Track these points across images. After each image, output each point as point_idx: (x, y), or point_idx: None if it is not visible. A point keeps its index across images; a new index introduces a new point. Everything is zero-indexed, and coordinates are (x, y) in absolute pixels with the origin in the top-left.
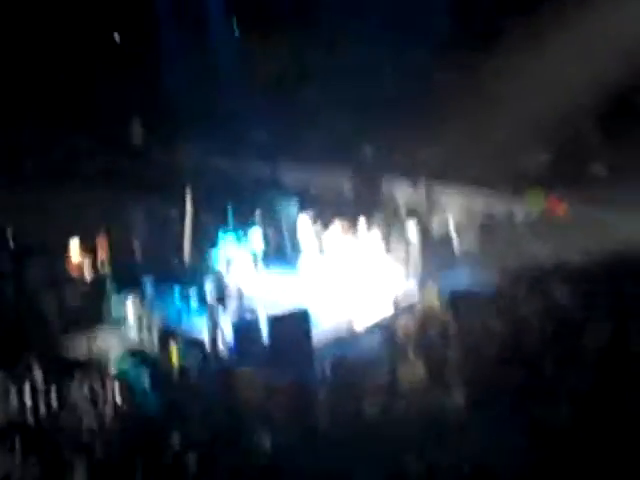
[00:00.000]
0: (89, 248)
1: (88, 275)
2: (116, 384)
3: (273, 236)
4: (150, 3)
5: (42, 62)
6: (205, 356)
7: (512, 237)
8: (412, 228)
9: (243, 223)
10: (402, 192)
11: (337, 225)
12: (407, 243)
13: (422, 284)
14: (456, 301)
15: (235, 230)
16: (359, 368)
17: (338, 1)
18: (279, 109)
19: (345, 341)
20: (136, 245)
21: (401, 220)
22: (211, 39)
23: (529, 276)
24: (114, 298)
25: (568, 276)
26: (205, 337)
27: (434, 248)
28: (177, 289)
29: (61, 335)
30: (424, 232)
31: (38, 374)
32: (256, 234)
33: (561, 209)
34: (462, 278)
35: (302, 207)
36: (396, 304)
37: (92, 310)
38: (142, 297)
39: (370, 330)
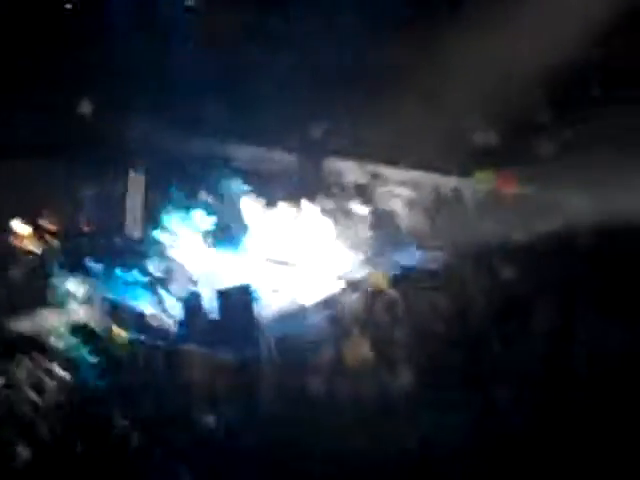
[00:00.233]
0: (33, 225)
1: (32, 253)
2: (60, 361)
3: (219, 214)
4: None
5: None
6: (150, 332)
7: (460, 215)
8: (359, 207)
9: (189, 200)
10: (349, 171)
11: (283, 203)
12: (354, 221)
13: (369, 262)
14: (403, 279)
15: (181, 207)
16: (304, 346)
17: None
18: (227, 86)
19: (290, 318)
20: (81, 221)
21: (348, 199)
22: (159, 12)
23: (477, 255)
24: (59, 275)
25: (516, 255)
26: (150, 313)
27: (381, 227)
28: (122, 266)
29: (4, 315)
30: (371, 211)
31: None
32: (202, 211)
33: (510, 187)
34: (409, 256)
35: (248, 185)
36: (342, 282)
37: (36, 288)
38: (87, 274)
39: (316, 308)
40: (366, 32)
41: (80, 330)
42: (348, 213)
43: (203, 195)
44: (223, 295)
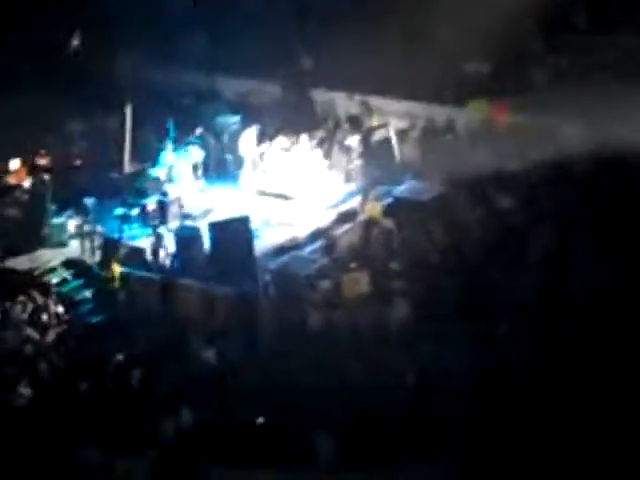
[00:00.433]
0: (27, 161)
1: (26, 190)
2: (58, 298)
3: (212, 148)
4: None
5: None
6: (146, 267)
7: (454, 145)
8: (354, 139)
9: (182, 135)
10: (343, 103)
11: (278, 136)
12: (347, 153)
13: (364, 194)
14: (399, 210)
15: (174, 142)
16: (301, 279)
17: None
18: (216, 19)
19: (286, 250)
20: (74, 157)
21: (342, 131)
22: None
23: (471, 184)
24: (54, 212)
25: (510, 183)
26: (146, 247)
27: (375, 157)
28: (117, 201)
29: (4, 252)
30: (366, 142)
31: None
32: (196, 146)
33: (504, 116)
34: (404, 188)
35: (242, 118)
36: (338, 214)
37: (32, 226)
38: (82, 210)
39: (313, 240)
40: None
41: (76, 266)
42: (341, 144)
43: (197, 129)
44: (219, 227)
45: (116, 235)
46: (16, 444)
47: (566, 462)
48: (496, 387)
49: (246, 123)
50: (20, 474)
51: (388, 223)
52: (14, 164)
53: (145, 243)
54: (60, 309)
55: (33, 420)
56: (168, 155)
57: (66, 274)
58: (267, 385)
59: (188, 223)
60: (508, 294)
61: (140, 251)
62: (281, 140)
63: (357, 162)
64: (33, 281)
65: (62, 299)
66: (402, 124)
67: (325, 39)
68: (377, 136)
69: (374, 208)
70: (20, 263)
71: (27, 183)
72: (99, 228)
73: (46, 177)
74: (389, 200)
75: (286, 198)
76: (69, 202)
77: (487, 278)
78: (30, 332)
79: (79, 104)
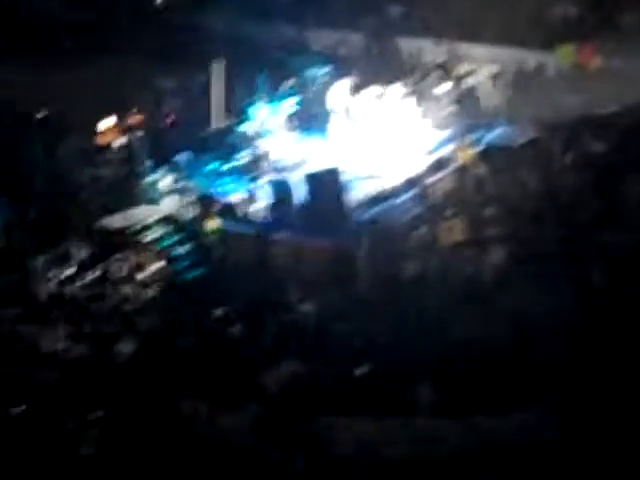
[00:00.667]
0: (119, 121)
1: (119, 149)
2: (154, 255)
3: (303, 100)
4: None
5: None
6: (241, 221)
7: (545, 91)
8: (443, 87)
9: (273, 88)
10: (431, 51)
11: (368, 87)
12: (437, 100)
13: (456, 141)
14: (491, 157)
15: (265, 95)
16: (396, 229)
17: None
18: None
19: (381, 202)
20: (168, 116)
21: (432, 79)
22: None
23: (564, 129)
24: (147, 170)
25: (603, 128)
26: (239, 202)
27: (465, 104)
28: (209, 157)
29: (99, 211)
30: (455, 90)
31: (79, 252)
32: (286, 99)
33: (593, 61)
34: (496, 134)
35: (331, 70)
36: (431, 163)
37: (126, 184)
38: (175, 167)
39: (406, 190)
40: None
41: (172, 222)
42: (431, 92)
43: (287, 82)
44: (312, 179)
45: (210, 191)
46: (119, 400)
47: None
48: (594, 331)
49: (336, 75)
50: (123, 430)
51: (482, 170)
52: (105, 123)
53: (239, 198)
54: (157, 266)
55: (135, 376)
56: (260, 109)
57: (162, 231)
58: (364, 335)
59: (280, 177)
60: (604, 240)
61: (234, 206)
62: (371, 90)
63: (448, 110)
64: (129, 239)
65: (158, 256)
66: (492, 70)
67: None
68: (467, 83)
69: (467, 155)
70: (115, 221)
71: (118, 142)
72: (193, 184)
73: (140, 135)
74: (482, 147)
75: (377, 147)
76: (162, 160)
77: (583, 223)
78: (128, 290)
79: (169, 60)
